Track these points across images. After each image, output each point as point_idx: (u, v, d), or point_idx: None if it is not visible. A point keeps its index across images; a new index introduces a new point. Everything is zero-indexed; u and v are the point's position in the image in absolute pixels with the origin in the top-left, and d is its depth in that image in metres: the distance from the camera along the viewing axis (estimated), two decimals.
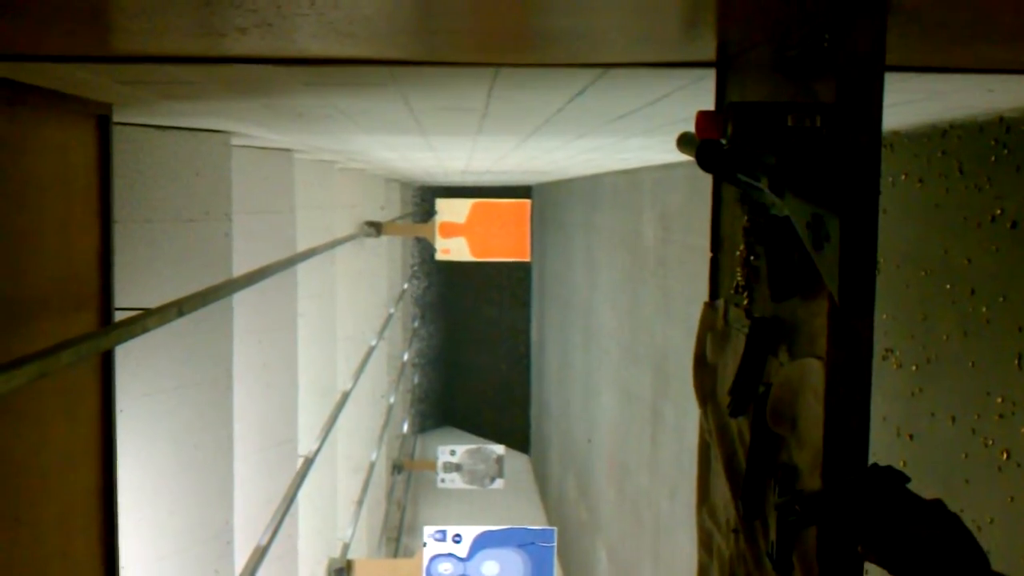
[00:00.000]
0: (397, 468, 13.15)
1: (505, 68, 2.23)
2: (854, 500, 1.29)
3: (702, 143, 1.58)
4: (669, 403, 6.99)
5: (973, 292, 2.87)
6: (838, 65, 1.34)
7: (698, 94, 2.34)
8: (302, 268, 5.72)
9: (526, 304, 19.02)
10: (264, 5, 1.49)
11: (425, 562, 6.96)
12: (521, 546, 7.09)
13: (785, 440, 1.59)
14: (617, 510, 9.28)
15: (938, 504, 1.28)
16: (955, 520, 1.27)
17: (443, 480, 11.67)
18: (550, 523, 13.54)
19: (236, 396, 4.21)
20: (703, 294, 2.11)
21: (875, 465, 1.31)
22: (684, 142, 1.76)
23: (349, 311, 8.23)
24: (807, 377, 1.47)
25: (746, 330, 1.75)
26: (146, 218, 3.68)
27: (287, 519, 5.09)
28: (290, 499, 5.19)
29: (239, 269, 4.11)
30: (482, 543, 7.06)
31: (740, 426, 1.81)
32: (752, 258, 1.75)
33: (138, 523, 3.65)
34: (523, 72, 2.30)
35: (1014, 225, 2.69)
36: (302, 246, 5.64)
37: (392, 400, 12.29)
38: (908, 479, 1.30)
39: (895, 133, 3.30)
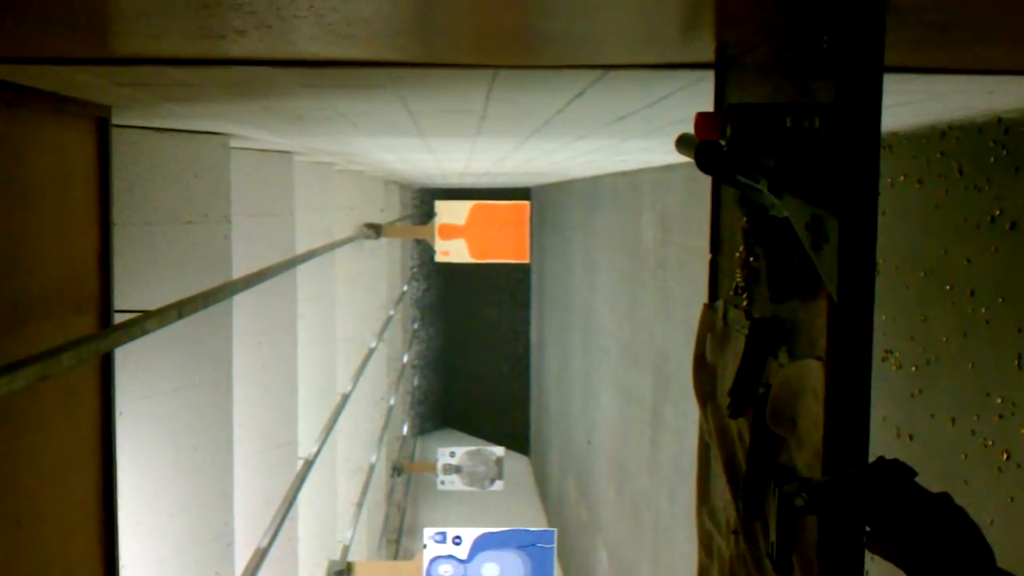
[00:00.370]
0: (397, 470, 13.15)
1: (504, 70, 2.23)
2: (861, 492, 1.29)
3: (701, 144, 1.58)
4: (669, 404, 6.99)
5: (973, 293, 2.87)
6: (837, 66, 1.34)
7: (697, 95, 2.34)
8: (301, 270, 5.72)
9: (525, 306, 19.02)
10: (263, 7, 1.49)
11: (425, 564, 6.96)
12: (521, 547, 7.09)
13: (785, 441, 1.59)
14: (617, 511, 9.28)
15: (945, 498, 1.28)
16: (962, 514, 1.27)
17: (443, 482, 11.67)
18: (550, 524, 13.55)
19: (236, 398, 4.21)
20: (702, 295, 2.11)
21: (882, 458, 1.31)
22: (683, 143, 1.76)
23: (348, 313, 8.23)
24: (807, 378, 1.47)
25: (745, 331, 1.75)
26: (145, 220, 3.68)
27: (287, 521, 5.09)
28: (290, 501, 5.19)
29: (238, 271, 4.11)
30: (482, 545, 7.06)
31: (740, 427, 1.81)
32: (751, 259, 1.75)
33: (138, 525, 3.65)
34: (522, 74, 2.30)
35: (1013, 226, 2.69)
36: (301, 248, 5.64)
37: (392, 402, 12.29)
38: (915, 472, 1.30)
39: (894, 134, 3.30)
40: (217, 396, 4.06)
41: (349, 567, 7.11)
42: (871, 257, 1.32)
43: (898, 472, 1.30)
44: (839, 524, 1.36)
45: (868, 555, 1.37)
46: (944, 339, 3.02)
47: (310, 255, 5.65)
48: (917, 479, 1.30)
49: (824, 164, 1.36)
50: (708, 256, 2.07)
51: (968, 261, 2.90)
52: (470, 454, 11.67)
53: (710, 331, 2.03)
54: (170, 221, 3.78)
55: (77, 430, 2.80)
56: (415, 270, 17.89)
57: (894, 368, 3.29)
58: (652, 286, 7.60)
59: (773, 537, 1.56)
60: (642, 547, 7.99)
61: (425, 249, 15.62)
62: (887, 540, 1.28)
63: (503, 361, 19.47)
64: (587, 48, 1.96)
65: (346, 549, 7.68)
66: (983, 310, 2.82)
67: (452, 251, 10.18)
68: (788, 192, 1.42)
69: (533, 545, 7.13)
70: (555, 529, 7.59)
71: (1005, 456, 2.73)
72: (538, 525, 12.98)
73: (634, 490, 8.33)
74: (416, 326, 18.11)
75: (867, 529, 1.31)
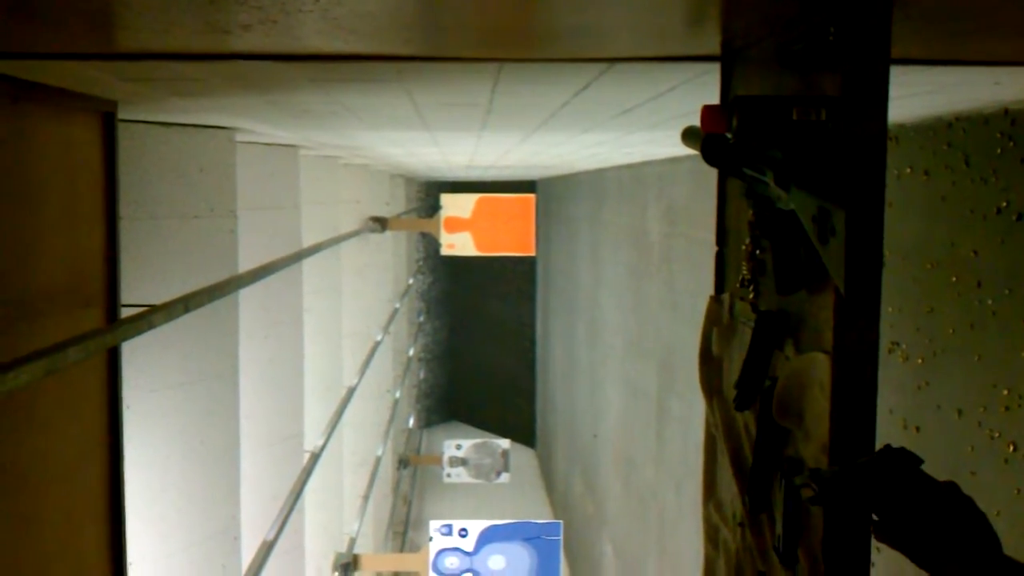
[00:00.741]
0: (403, 463, 13.17)
1: (509, 63, 2.23)
2: (869, 480, 1.29)
3: (707, 137, 1.58)
4: (675, 397, 6.99)
5: (979, 284, 2.87)
6: (843, 59, 1.34)
7: (703, 88, 2.33)
8: (307, 264, 5.73)
9: (531, 299, 19.04)
10: (268, 2, 1.49)
11: (431, 556, 6.98)
12: (527, 540, 7.11)
13: (791, 434, 1.59)
14: (623, 504, 9.29)
15: (951, 486, 1.29)
16: (969, 502, 1.27)
17: (449, 474, 11.70)
18: (556, 517, 13.56)
19: (242, 392, 4.22)
20: (708, 288, 2.11)
21: (888, 446, 1.32)
22: (689, 136, 1.76)
23: (354, 306, 8.24)
24: (813, 371, 1.47)
25: (752, 324, 1.75)
26: (151, 214, 3.68)
27: (294, 514, 5.11)
28: (297, 494, 5.20)
29: (244, 265, 4.12)
30: (488, 537, 7.08)
31: (746, 420, 1.81)
32: (758, 252, 1.75)
33: (145, 519, 3.66)
34: (527, 67, 2.30)
35: (1020, 217, 2.69)
36: (307, 242, 5.65)
37: (398, 395, 12.31)
38: (922, 461, 1.30)
39: (900, 126, 3.29)
40: (224, 390, 4.07)
41: (355, 559, 7.13)
42: (878, 249, 1.32)
43: (904, 460, 1.30)
44: (847, 514, 1.36)
45: (873, 548, 1.37)
46: (951, 331, 3.02)
47: (316, 249, 5.65)
48: (924, 470, 1.31)
49: (831, 156, 1.36)
50: (714, 249, 2.07)
51: (975, 253, 2.89)
52: (476, 447, 11.69)
53: (716, 324, 2.03)
54: (176, 215, 3.79)
55: (84, 425, 2.81)
56: (421, 263, 17.91)
57: (901, 360, 3.29)
58: (658, 279, 7.60)
59: (780, 529, 1.56)
60: (648, 540, 8.00)
61: (431, 242, 15.63)
62: (894, 528, 1.28)
63: (509, 354, 19.49)
64: (593, 41, 1.96)
65: (352, 541, 7.69)
66: (990, 302, 2.82)
67: (458, 244, 10.18)
68: (795, 184, 1.42)
69: (539, 537, 7.14)
70: (561, 521, 7.61)
71: (1012, 448, 2.73)
72: (544, 518, 13.01)
73: (640, 483, 8.34)
74: (422, 319, 18.13)
75: (874, 518, 1.31)
